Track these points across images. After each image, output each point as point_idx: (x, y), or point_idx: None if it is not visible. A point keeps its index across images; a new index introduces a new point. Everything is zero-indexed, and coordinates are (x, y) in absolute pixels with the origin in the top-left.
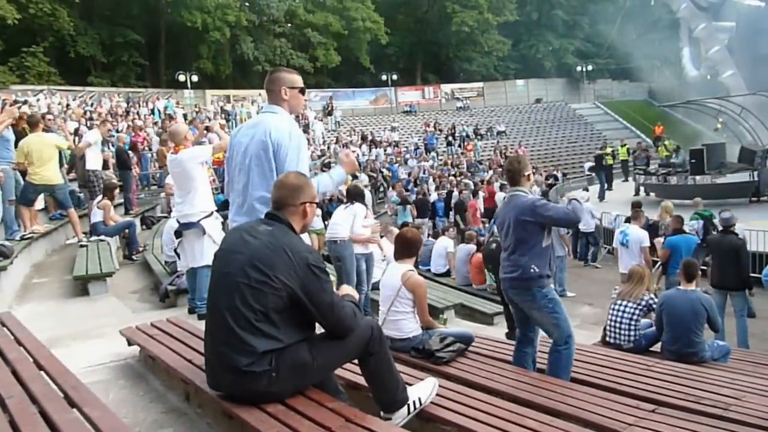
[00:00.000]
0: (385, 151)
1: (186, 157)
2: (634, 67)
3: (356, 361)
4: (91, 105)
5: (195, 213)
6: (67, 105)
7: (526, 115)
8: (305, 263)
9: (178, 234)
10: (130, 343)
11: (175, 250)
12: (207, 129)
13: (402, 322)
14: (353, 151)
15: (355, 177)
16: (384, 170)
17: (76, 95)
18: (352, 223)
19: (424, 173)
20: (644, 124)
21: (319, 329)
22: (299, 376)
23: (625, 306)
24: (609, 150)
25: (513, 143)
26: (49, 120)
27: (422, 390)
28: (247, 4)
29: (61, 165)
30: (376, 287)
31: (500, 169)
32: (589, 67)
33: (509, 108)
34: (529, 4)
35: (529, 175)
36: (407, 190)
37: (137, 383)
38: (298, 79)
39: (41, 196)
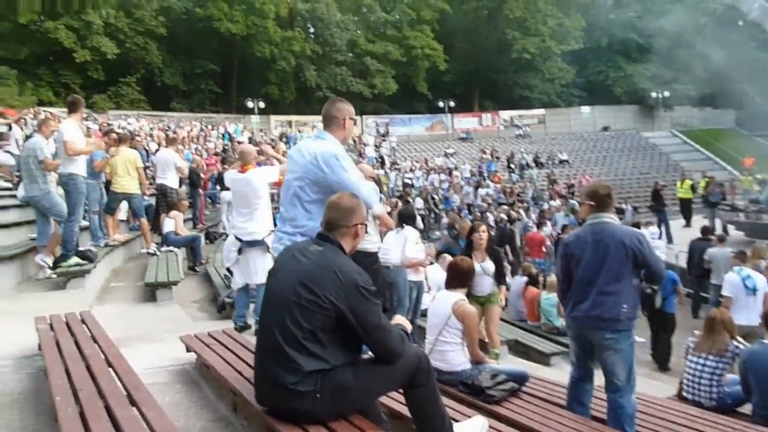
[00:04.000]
0: (439, 177)
1: (256, 177)
2: (719, 93)
3: (401, 390)
4: (172, 128)
5: (260, 231)
6: (151, 128)
7: (591, 144)
8: (354, 284)
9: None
10: (188, 350)
11: (228, 269)
12: (259, 153)
13: (450, 354)
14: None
15: (407, 201)
16: (437, 196)
17: (160, 119)
18: (403, 247)
19: (478, 200)
20: (730, 155)
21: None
22: (342, 400)
23: (705, 360)
24: (688, 183)
25: (576, 172)
26: (137, 140)
27: (470, 428)
28: (312, 35)
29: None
30: (424, 314)
31: (562, 199)
32: (666, 93)
33: (573, 136)
34: (597, 30)
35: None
36: (461, 218)
37: (191, 389)
38: (353, 110)
39: (125, 209)
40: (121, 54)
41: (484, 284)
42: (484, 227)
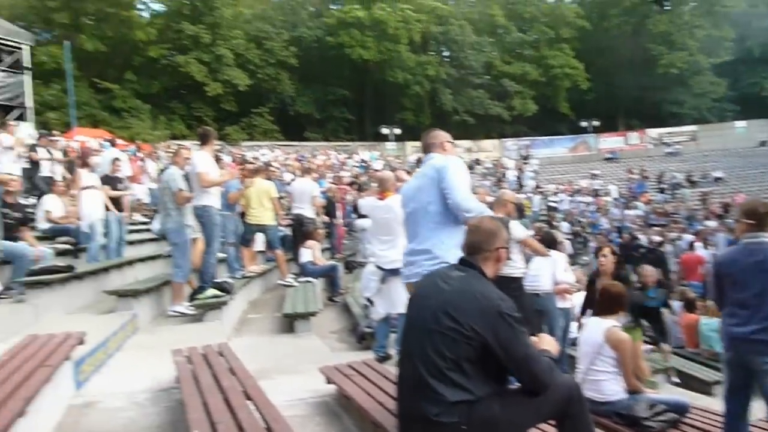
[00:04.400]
0: (585, 199)
1: (397, 203)
2: None
3: (553, 422)
4: (306, 157)
5: (401, 259)
6: (286, 158)
7: (748, 160)
8: (497, 311)
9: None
10: (328, 381)
11: (368, 299)
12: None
13: (603, 383)
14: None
15: (552, 226)
16: (584, 219)
17: (294, 149)
18: (553, 272)
19: (627, 222)
20: None
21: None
22: None
23: None
24: None
25: (732, 191)
26: (271, 171)
27: None
28: (447, 58)
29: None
30: (572, 342)
31: (718, 219)
32: None
33: (727, 152)
34: (749, 40)
35: None
36: (610, 241)
37: (332, 421)
38: (449, 136)
39: (262, 240)
40: (253, 85)
41: None
42: (607, 250)
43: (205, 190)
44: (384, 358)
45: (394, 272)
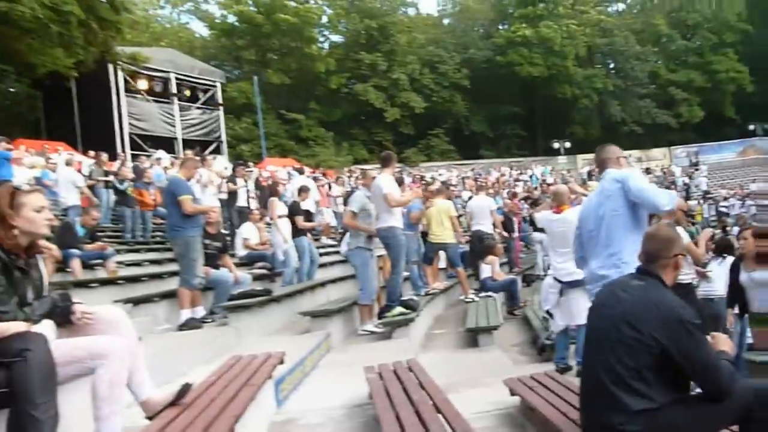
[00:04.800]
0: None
1: (573, 216)
2: None
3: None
4: (482, 175)
5: (579, 270)
6: (462, 177)
7: None
8: (678, 319)
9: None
10: (512, 393)
11: (547, 311)
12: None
13: None
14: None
15: (725, 231)
16: (756, 223)
17: (470, 168)
18: (727, 277)
19: None
20: None
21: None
22: None
23: None
24: None
25: None
26: (450, 191)
27: None
28: (612, 70)
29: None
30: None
31: None
32: None
33: None
34: None
35: None
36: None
37: None
38: (621, 151)
39: (443, 257)
40: (429, 108)
41: (764, 298)
42: (747, 232)
43: (390, 211)
44: (565, 369)
45: (573, 284)
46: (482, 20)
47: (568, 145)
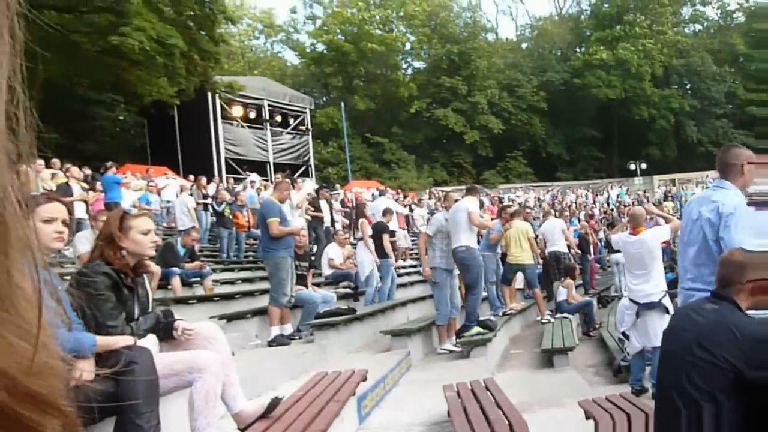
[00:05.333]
0: None
1: (650, 238)
2: None
3: None
4: (558, 197)
5: (656, 292)
6: (539, 199)
7: None
8: (753, 343)
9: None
10: (587, 416)
11: (623, 333)
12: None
13: None
14: None
15: None
16: None
17: (547, 189)
18: None
19: None
20: None
21: None
22: None
23: None
24: None
25: None
26: (527, 212)
27: None
28: (689, 91)
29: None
30: None
31: None
32: None
33: None
34: None
35: None
36: None
37: None
38: (752, 154)
39: (521, 278)
40: (507, 130)
41: None
42: None
43: (469, 232)
44: (640, 392)
45: (649, 306)
46: (560, 43)
47: (644, 166)
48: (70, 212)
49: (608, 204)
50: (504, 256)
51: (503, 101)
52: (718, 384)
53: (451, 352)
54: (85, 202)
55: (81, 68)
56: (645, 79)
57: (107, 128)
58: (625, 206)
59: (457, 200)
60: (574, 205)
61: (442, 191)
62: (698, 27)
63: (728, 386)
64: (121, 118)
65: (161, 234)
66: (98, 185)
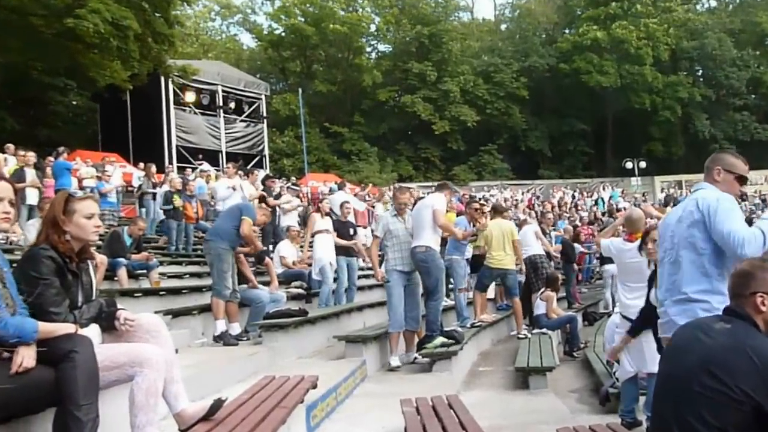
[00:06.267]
0: None
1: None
2: None
3: None
4: (539, 198)
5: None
6: (516, 199)
7: None
8: None
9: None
10: None
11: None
12: None
13: None
14: None
15: None
16: None
17: (526, 188)
18: None
19: None
20: None
21: None
22: None
23: None
24: None
25: None
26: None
27: None
28: (701, 78)
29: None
30: None
31: None
32: None
33: None
34: None
35: None
36: None
37: None
38: (739, 165)
39: (491, 287)
40: (482, 121)
41: None
42: None
43: (431, 232)
44: (632, 424)
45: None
46: (545, 23)
47: (643, 164)
48: (16, 192)
49: (599, 207)
50: (476, 258)
51: (478, 88)
52: (731, 419)
53: (397, 368)
54: (39, 188)
55: (38, 52)
56: (646, 64)
57: (61, 113)
58: (617, 210)
59: (421, 198)
60: (557, 207)
61: (406, 187)
62: (713, 3)
63: (743, 422)
64: (74, 102)
65: (115, 222)
66: (49, 171)
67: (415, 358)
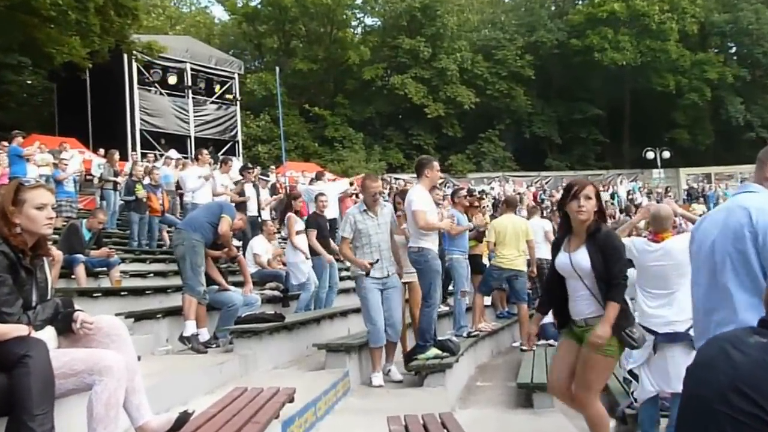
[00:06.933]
0: None
1: (679, 247)
2: None
3: None
4: (547, 191)
5: (683, 320)
6: (520, 193)
7: None
8: None
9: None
10: None
11: (630, 372)
12: None
13: None
14: None
15: None
16: None
17: (531, 181)
18: None
19: None
20: None
21: None
22: None
23: None
24: None
25: None
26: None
27: None
28: (734, 56)
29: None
30: None
31: None
32: None
33: None
34: None
35: None
36: None
37: None
38: None
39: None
40: (481, 104)
41: None
42: None
43: (420, 231)
44: None
45: (672, 337)
46: None
47: (666, 155)
48: None
49: (613, 201)
50: (472, 258)
51: (477, 67)
52: None
53: (380, 387)
54: None
55: None
56: (670, 39)
57: (14, 94)
58: (636, 205)
59: (404, 190)
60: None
61: (396, 179)
62: None
63: None
64: (29, 82)
65: (73, 214)
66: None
67: (389, 370)
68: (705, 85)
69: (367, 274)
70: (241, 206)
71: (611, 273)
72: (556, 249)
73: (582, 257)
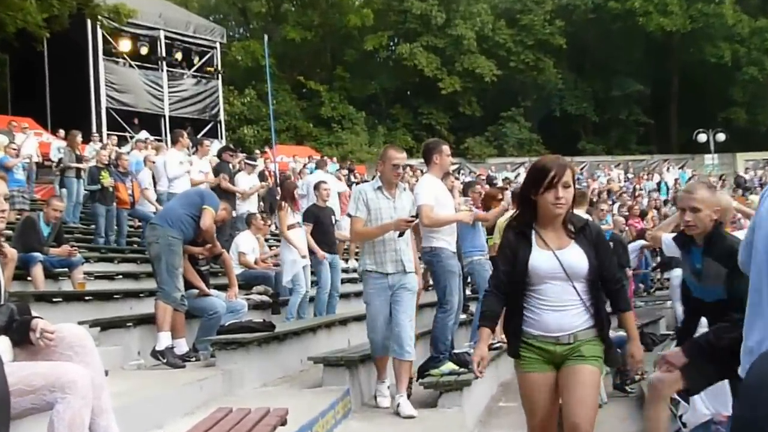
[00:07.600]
0: None
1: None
2: None
3: None
4: (584, 177)
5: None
6: None
7: None
8: None
9: None
10: None
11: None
12: None
13: None
14: None
15: None
16: None
17: None
18: None
19: None
20: None
21: None
22: None
23: None
24: None
25: None
26: None
27: None
28: None
29: None
30: None
31: None
32: None
33: None
34: None
35: None
36: None
37: None
38: None
39: None
40: (503, 77)
41: None
42: None
43: (431, 228)
44: None
45: None
46: None
47: (721, 137)
48: None
49: (659, 192)
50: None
51: (499, 34)
52: None
53: (387, 407)
54: None
55: None
56: (726, 2)
57: None
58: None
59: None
60: (605, 192)
61: (403, 166)
62: None
63: None
64: None
65: (27, 207)
66: None
67: (398, 405)
68: (766, 56)
69: (401, 235)
70: (224, 194)
71: (611, 275)
72: (516, 245)
73: (575, 256)
